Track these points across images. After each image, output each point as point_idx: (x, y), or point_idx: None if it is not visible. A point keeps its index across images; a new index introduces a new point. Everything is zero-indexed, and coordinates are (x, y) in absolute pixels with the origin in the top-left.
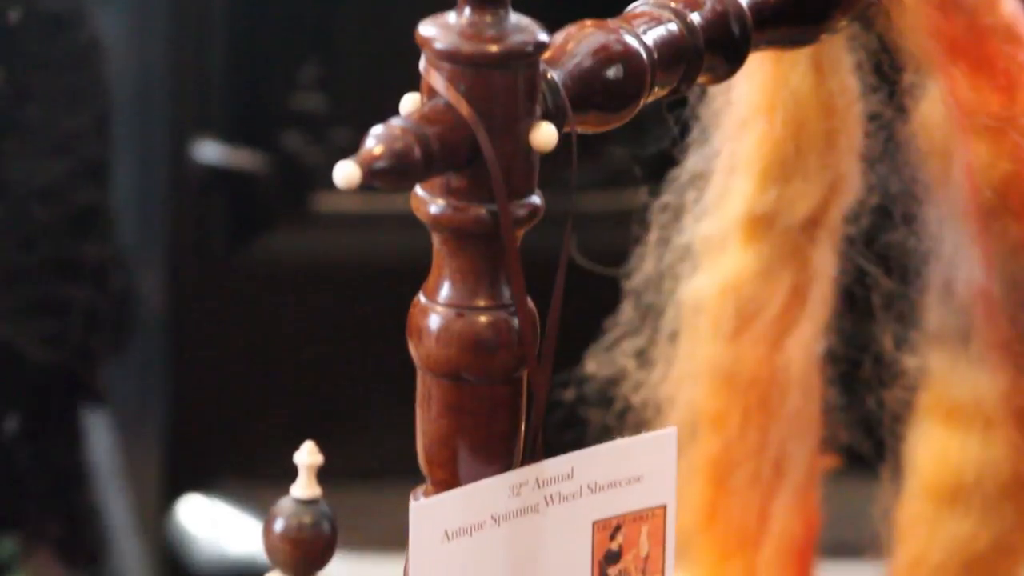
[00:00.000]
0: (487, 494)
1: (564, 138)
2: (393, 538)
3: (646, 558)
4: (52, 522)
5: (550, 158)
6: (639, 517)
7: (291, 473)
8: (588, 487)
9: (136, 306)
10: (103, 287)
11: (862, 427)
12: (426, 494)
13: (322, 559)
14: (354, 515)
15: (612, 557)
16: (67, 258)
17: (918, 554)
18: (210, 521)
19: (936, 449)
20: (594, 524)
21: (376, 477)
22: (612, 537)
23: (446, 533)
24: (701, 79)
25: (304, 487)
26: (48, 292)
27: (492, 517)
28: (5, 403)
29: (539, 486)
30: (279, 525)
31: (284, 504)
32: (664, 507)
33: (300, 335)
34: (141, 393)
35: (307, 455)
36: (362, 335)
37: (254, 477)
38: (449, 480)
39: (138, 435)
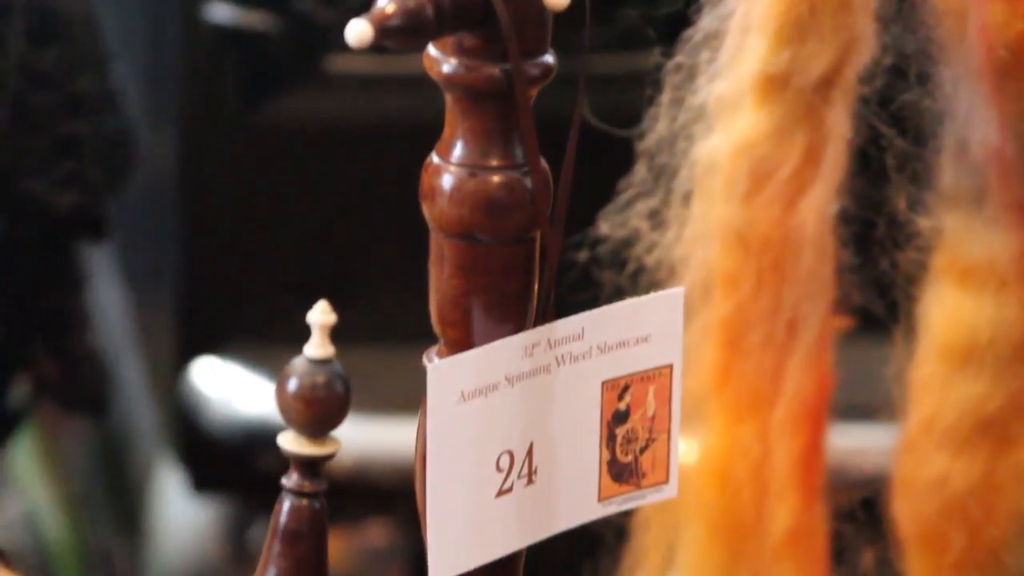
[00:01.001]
0: (501, 355)
1: None
2: (405, 400)
3: (653, 417)
4: (56, 367)
5: (563, 18)
6: (646, 377)
7: (304, 335)
8: (598, 347)
9: (134, 147)
10: (99, 126)
11: (875, 288)
12: (439, 354)
13: (335, 418)
14: (367, 377)
15: (620, 417)
16: (67, 95)
17: (931, 415)
18: (223, 383)
19: (950, 310)
20: (603, 384)
21: (388, 340)
22: (620, 397)
23: (462, 394)
24: None
25: (317, 346)
26: (49, 130)
27: (506, 378)
28: (9, 245)
29: (551, 347)
30: (292, 384)
31: (297, 363)
32: (671, 366)
33: (313, 196)
34: (154, 256)
35: (320, 314)
36: (375, 196)
37: (267, 339)
38: (462, 340)
39: (151, 298)
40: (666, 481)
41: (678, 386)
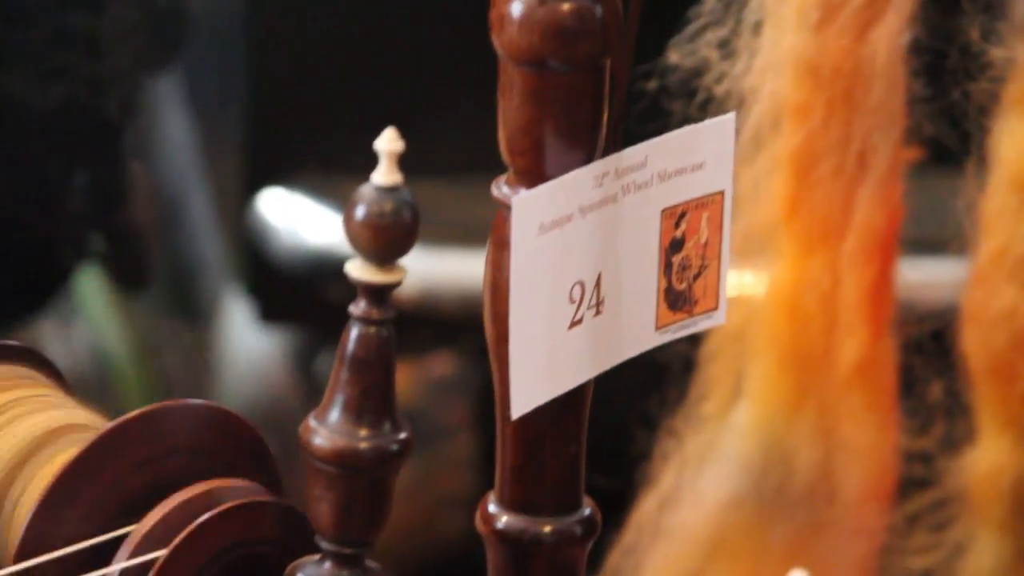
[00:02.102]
0: (575, 185)
1: None
2: (471, 232)
3: (705, 245)
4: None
5: None
6: (700, 204)
7: (370, 166)
8: (658, 175)
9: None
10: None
11: (947, 119)
12: (508, 183)
13: (403, 246)
14: (433, 209)
15: (676, 245)
16: None
17: (1001, 247)
18: (290, 213)
19: (1021, 140)
20: (662, 212)
21: (455, 171)
22: (677, 225)
23: (541, 225)
24: None
25: (385, 174)
26: None
27: (579, 208)
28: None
29: (618, 176)
30: (360, 212)
31: (365, 191)
32: (722, 193)
33: (380, 25)
34: (221, 86)
35: (388, 142)
36: (443, 24)
37: (333, 170)
38: (531, 170)
39: (218, 129)
40: (716, 307)
41: (728, 213)
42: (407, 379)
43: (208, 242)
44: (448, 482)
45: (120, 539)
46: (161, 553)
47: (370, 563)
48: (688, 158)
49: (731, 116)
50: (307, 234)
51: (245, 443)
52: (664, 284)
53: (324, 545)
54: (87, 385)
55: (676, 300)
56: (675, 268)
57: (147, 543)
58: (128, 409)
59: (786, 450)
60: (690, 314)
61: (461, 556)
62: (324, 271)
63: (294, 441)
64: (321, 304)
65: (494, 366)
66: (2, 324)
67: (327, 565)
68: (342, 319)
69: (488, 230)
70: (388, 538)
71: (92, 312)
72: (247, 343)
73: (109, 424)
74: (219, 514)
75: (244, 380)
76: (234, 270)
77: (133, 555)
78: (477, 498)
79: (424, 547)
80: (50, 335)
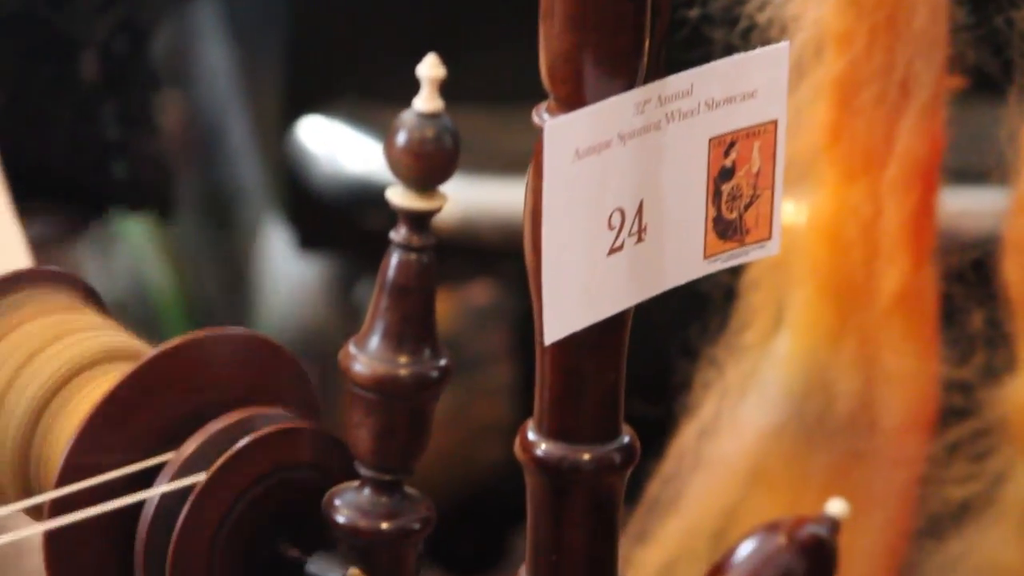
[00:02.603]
0: (613, 112)
1: None
2: (511, 160)
3: (757, 174)
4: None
5: None
6: (752, 133)
7: (409, 95)
8: (706, 103)
9: None
10: None
11: (990, 47)
12: (549, 110)
13: (444, 172)
14: (473, 137)
15: (726, 174)
16: None
17: None
18: (329, 141)
19: None
20: (710, 141)
21: (496, 99)
22: (726, 154)
23: (576, 151)
24: None
25: (426, 100)
26: None
27: (618, 135)
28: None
29: (661, 103)
30: (401, 138)
31: (406, 117)
32: (775, 122)
33: None
34: (261, 13)
35: (429, 68)
36: None
37: (373, 97)
38: (572, 97)
39: (258, 55)
40: (769, 237)
41: (782, 142)
42: (446, 307)
43: (247, 170)
44: (486, 410)
45: (159, 466)
46: (200, 478)
47: (409, 490)
48: (738, 87)
49: (785, 44)
50: (346, 162)
51: (284, 370)
52: (713, 213)
53: (363, 472)
54: (128, 313)
55: (726, 229)
56: (725, 197)
57: (186, 469)
58: (168, 337)
59: (826, 379)
60: (741, 244)
61: (499, 484)
62: (363, 199)
63: (333, 369)
64: (360, 232)
65: (533, 293)
66: (40, 253)
67: (366, 492)
68: (381, 246)
69: (528, 159)
70: (426, 466)
71: (131, 240)
72: (286, 271)
73: (150, 351)
74: (257, 440)
75: (283, 308)
76: (273, 198)
77: (172, 480)
78: (515, 426)
79: (462, 475)
80: (90, 264)
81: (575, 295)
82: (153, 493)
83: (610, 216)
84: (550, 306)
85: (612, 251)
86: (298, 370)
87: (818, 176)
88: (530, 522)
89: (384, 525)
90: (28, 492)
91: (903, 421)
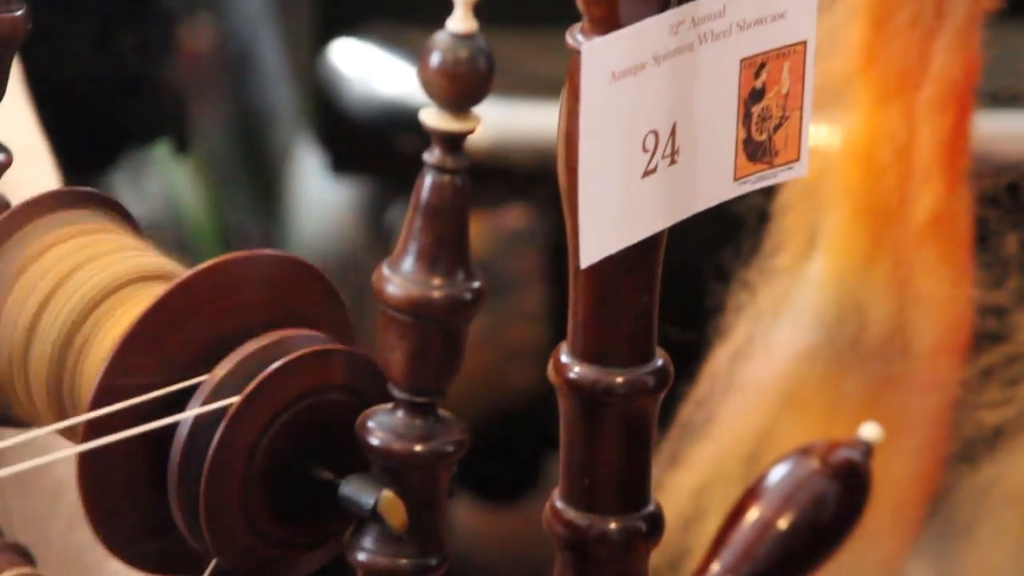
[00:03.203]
0: (649, 33)
1: None
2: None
3: (786, 95)
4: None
5: None
6: (782, 54)
7: (441, 17)
8: (737, 24)
9: None
10: None
11: None
12: (583, 32)
13: (477, 94)
14: (506, 59)
15: (756, 95)
16: None
17: None
18: (361, 64)
19: None
20: (741, 62)
21: (529, 21)
22: (756, 75)
23: (612, 74)
24: None
25: (460, 20)
26: None
27: (653, 57)
28: None
29: (694, 24)
30: (435, 59)
31: (440, 38)
32: (804, 43)
33: None
34: None
35: None
36: None
37: (405, 20)
38: (607, 19)
39: None
40: (797, 159)
41: (811, 63)
42: (478, 231)
43: (280, 93)
44: (518, 334)
45: (193, 388)
46: (233, 401)
47: (442, 412)
48: (768, 7)
49: None
50: (378, 84)
51: (318, 293)
52: (743, 135)
53: (396, 394)
54: (160, 236)
55: (756, 151)
56: (755, 119)
57: (220, 391)
58: (201, 260)
59: (859, 303)
60: (770, 165)
61: (531, 408)
62: (395, 121)
63: (364, 292)
64: (392, 154)
65: (567, 217)
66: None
67: (399, 414)
68: (413, 170)
69: (561, 82)
70: (459, 389)
71: (163, 164)
72: (318, 194)
73: (184, 273)
74: (291, 362)
75: (315, 231)
76: (305, 121)
77: (206, 403)
78: (547, 350)
79: (495, 399)
80: (123, 187)
81: (610, 218)
82: (186, 415)
83: (644, 138)
84: (586, 229)
85: (646, 174)
86: (332, 293)
87: (852, 99)
88: (563, 445)
89: (417, 447)
90: (63, 415)
91: (936, 345)
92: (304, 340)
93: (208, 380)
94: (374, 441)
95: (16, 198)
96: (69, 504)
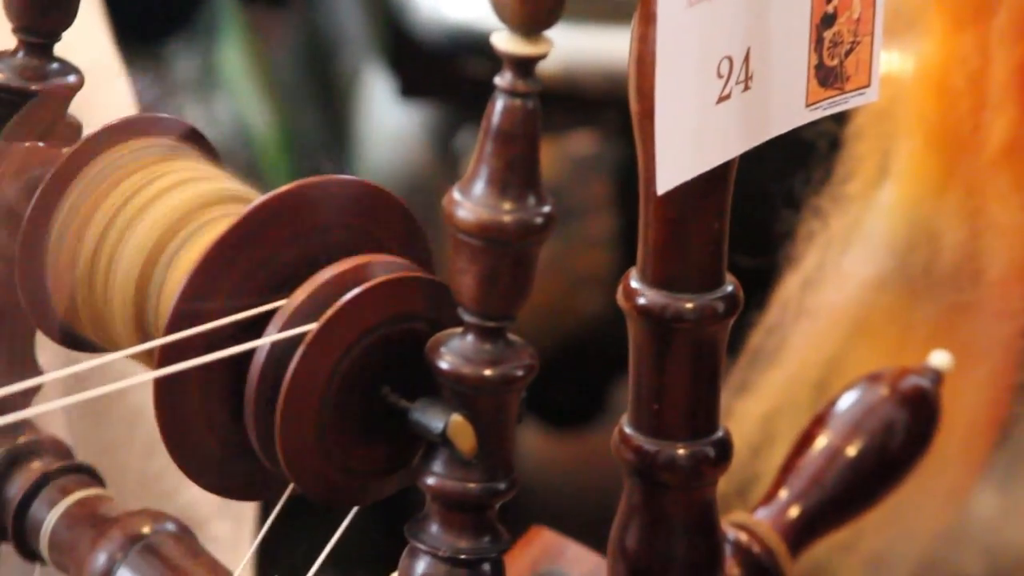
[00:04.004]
0: None
1: None
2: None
3: (858, 20)
4: None
5: None
6: None
7: None
8: None
9: None
10: None
11: None
12: None
13: (549, 17)
14: None
15: (828, 20)
16: None
17: None
18: None
19: None
20: None
21: None
22: (828, 0)
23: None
24: None
25: None
26: None
27: None
28: None
29: None
30: None
31: None
32: None
33: None
34: None
35: None
36: None
37: None
38: None
39: None
40: (868, 85)
41: None
42: (547, 157)
43: (349, 17)
44: (586, 261)
45: (270, 313)
46: (311, 327)
47: (512, 337)
48: None
49: None
50: (448, 8)
51: (395, 219)
52: (815, 60)
53: (467, 318)
54: (231, 159)
55: (827, 76)
56: (826, 44)
57: (297, 317)
58: (271, 185)
59: (932, 230)
60: (841, 91)
61: (598, 335)
62: (464, 46)
63: (432, 217)
64: (461, 79)
65: (639, 143)
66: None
67: (469, 338)
68: (482, 94)
69: (632, 7)
70: (527, 315)
71: (235, 80)
72: (387, 118)
73: (261, 198)
74: (369, 289)
75: (384, 156)
76: (375, 45)
77: (283, 329)
78: (614, 276)
79: (562, 324)
80: (193, 110)
81: (686, 144)
82: (264, 341)
83: (718, 64)
84: (663, 155)
85: (720, 99)
86: (409, 219)
87: (925, 25)
88: (632, 371)
89: (487, 372)
90: (144, 339)
91: (1008, 273)
92: (383, 266)
93: (286, 305)
94: (444, 365)
95: (89, 120)
96: (145, 432)
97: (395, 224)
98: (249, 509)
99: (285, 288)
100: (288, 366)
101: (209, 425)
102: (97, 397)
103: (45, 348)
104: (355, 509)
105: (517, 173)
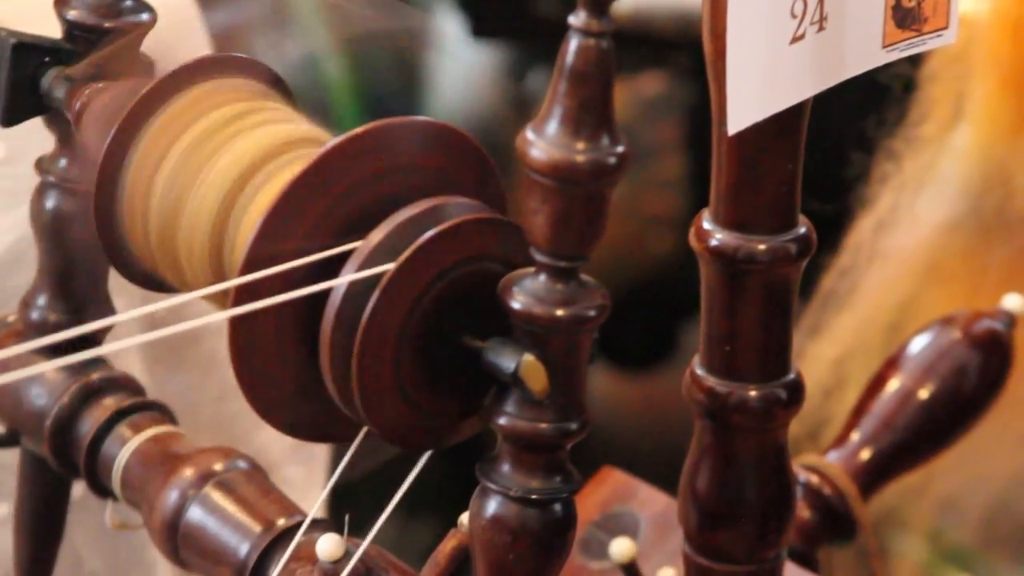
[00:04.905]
0: None
1: None
2: None
3: None
4: None
5: None
6: None
7: None
8: None
9: None
10: None
11: None
12: None
13: None
14: None
15: None
16: None
17: None
18: None
19: None
20: None
21: None
22: None
23: None
24: None
25: None
26: None
27: None
28: None
29: None
30: None
31: None
32: None
33: None
34: None
35: None
36: None
37: None
38: None
39: None
40: (946, 26)
41: None
42: (618, 98)
43: None
44: (656, 202)
45: (346, 255)
46: (388, 268)
47: (584, 277)
48: None
49: None
50: None
51: (470, 160)
52: (892, 1)
53: (539, 258)
54: (301, 101)
55: (904, 17)
56: None
57: (374, 258)
58: (343, 126)
59: (1006, 173)
60: (919, 32)
61: (668, 276)
62: None
63: (503, 157)
64: (533, 19)
65: (712, 83)
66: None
67: (542, 278)
68: (554, 34)
69: None
70: (597, 256)
71: (306, 22)
72: (459, 58)
73: (336, 139)
74: (446, 230)
75: (455, 96)
76: None
77: (360, 269)
78: (684, 218)
79: (632, 266)
80: (264, 49)
81: (758, 84)
82: (341, 281)
83: (793, 4)
84: (734, 95)
85: (794, 40)
86: (484, 160)
87: None
88: (704, 313)
89: (559, 312)
90: (220, 280)
91: None
92: (459, 208)
93: (363, 246)
94: (516, 305)
95: (162, 59)
96: (219, 377)
97: (470, 165)
98: (321, 453)
99: (360, 229)
100: (365, 307)
101: (283, 365)
102: (172, 343)
103: (121, 294)
104: (428, 453)
105: (591, 113)
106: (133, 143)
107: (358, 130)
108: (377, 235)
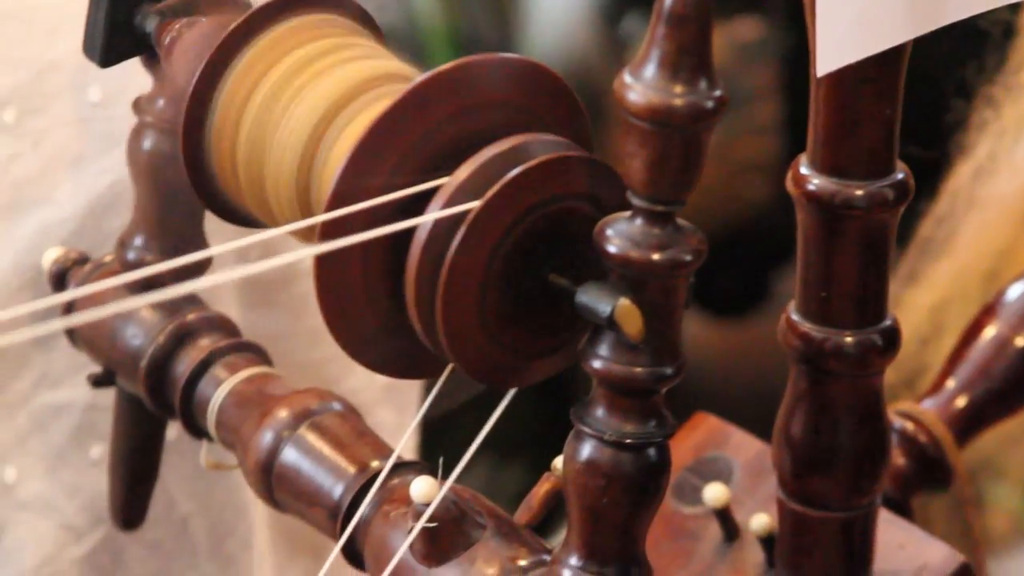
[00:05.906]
0: None
1: None
2: None
3: None
4: None
5: None
6: None
7: None
8: None
9: None
10: None
11: None
12: None
13: None
14: None
15: None
16: None
17: None
18: None
19: None
20: None
21: None
22: None
23: None
24: None
25: None
26: None
27: None
28: None
29: None
30: None
31: None
32: None
33: None
34: None
35: None
36: None
37: None
38: None
39: None
40: None
41: None
42: (714, 42)
43: None
44: (751, 148)
45: (432, 191)
46: (474, 205)
47: (681, 221)
48: None
49: None
50: None
51: (558, 98)
52: None
53: (635, 202)
54: (394, 38)
55: None
56: None
57: (460, 195)
58: (435, 64)
59: None
60: None
61: (762, 223)
62: None
63: (597, 100)
64: None
65: (809, 27)
66: None
67: (638, 222)
68: None
69: None
70: (691, 201)
71: None
72: (554, 2)
73: (423, 75)
74: (533, 167)
75: (550, 40)
76: None
77: (446, 206)
78: (779, 163)
79: (726, 211)
80: None
81: (850, 26)
82: (426, 219)
83: None
84: (823, 37)
85: None
86: (571, 99)
87: None
88: (800, 258)
89: (655, 256)
90: (308, 216)
91: None
92: (546, 145)
93: (449, 183)
94: (612, 248)
95: None
96: (310, 321)
97: (557, 103)
98: (413, 397)
99: (446, 167)
100: (450, 244)
101: (369, 302)
102: (264, 286)
103: (218, 235)
104: (512, 391)
105: (689, 56)
106: (221, 78)
107: (446, 66)
108: (463, 172)
